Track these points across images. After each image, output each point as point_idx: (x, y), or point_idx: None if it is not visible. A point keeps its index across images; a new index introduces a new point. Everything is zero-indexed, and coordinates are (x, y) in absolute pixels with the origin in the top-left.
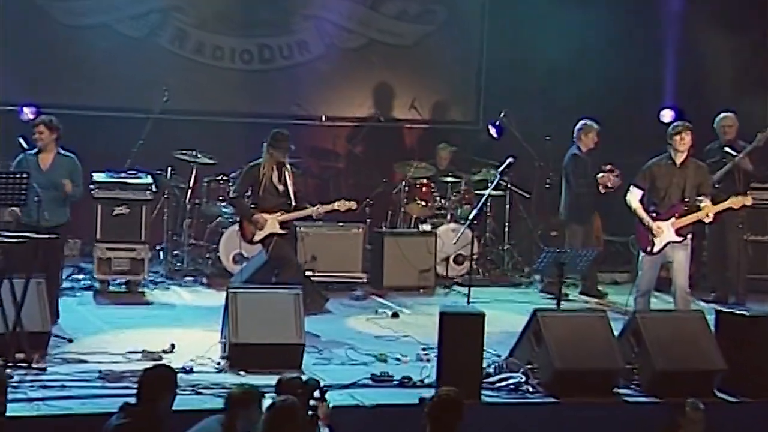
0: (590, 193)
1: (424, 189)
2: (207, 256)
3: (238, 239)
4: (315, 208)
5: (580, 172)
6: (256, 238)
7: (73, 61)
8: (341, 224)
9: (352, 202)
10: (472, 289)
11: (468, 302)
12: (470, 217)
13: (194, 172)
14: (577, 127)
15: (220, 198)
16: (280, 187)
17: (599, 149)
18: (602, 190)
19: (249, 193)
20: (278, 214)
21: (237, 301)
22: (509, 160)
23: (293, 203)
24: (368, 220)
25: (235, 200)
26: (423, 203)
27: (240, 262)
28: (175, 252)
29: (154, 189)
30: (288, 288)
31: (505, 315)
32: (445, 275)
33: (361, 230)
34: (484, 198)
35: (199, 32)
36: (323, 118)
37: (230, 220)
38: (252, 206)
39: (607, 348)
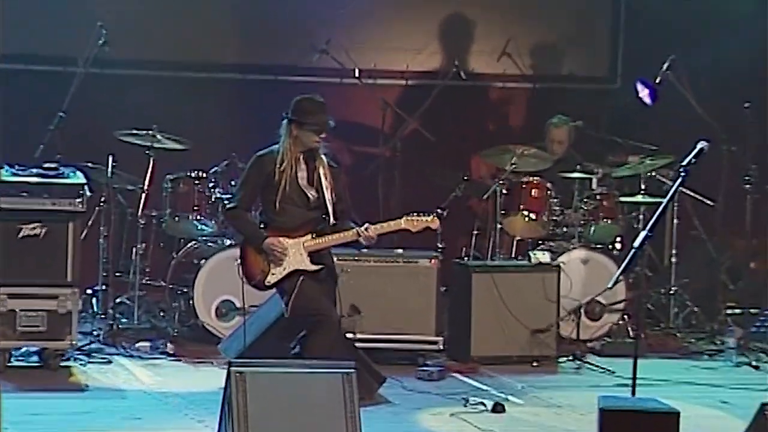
0: None
1: (533, 192)
2: (173, 305)
3: (236, 278)
4: (362, 228)
5: None
6: (272, 278)
7: None
8: (400, 253)
9: (433, 217)
10: (622, 362)
11: (633, 390)
12: (638, 242)
13: (151, 165)
14: None
15: (196, 208)
16: (311, 194)
17: None
18: None
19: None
20: (307, 237)
21: (246, 385)
22: (701, 145)
23: (332, 220)
24: (440, 246)
25: (234, 214)
26: (531, 216)
27: (228, 315)
28: (121, 299)
29: (87, 194)
30: (329, 364)
31: (688, 409)
32: (575, 338)
33: (433, 263)
34: (661, 207)
35: None
36: (356, 73)
37: (211, 245)
38: (262, 225)
39: None
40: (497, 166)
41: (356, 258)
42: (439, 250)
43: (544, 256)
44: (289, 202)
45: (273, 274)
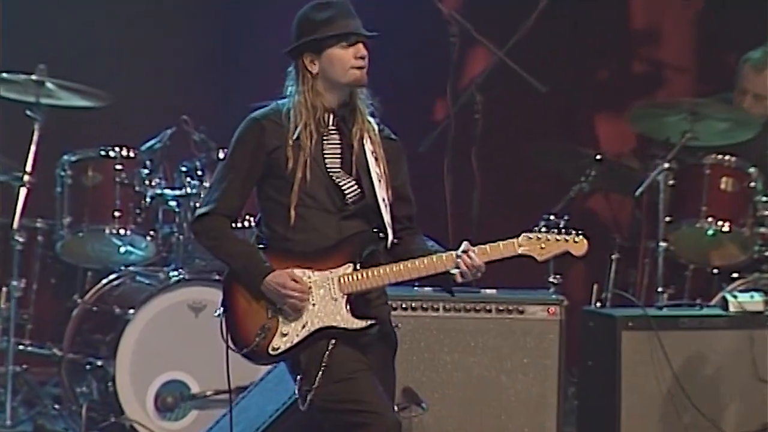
0: None
1: (724, 182)
2: (78, 391)
3: (194, 340)
4: (459, 251)
5: None
6: (281, 342)
7: None
8: (493, 295)
9: (578, 236)
10: None
11: None
12: None
13: (36, 136)
14: None
15: (117, 215)
16: (350, 187)
17: None
18: None
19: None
20: (346, 269)
21: None
22: None
23: (391, 236)
24: (554, 281)
25: (209, 226)
26: (722, 225)
27: (179, 409)
28: None
29: None
30: None
31: None
32: None
33: (552, 313)
34: None
35: None
36: None
37: (144, 281)
38: (262, 246)
39: None
40: (657, 138)
41: (413, 304)
42: (555, 287)
43: (752, 301)
44: (311, 204)
45: (283, 334)
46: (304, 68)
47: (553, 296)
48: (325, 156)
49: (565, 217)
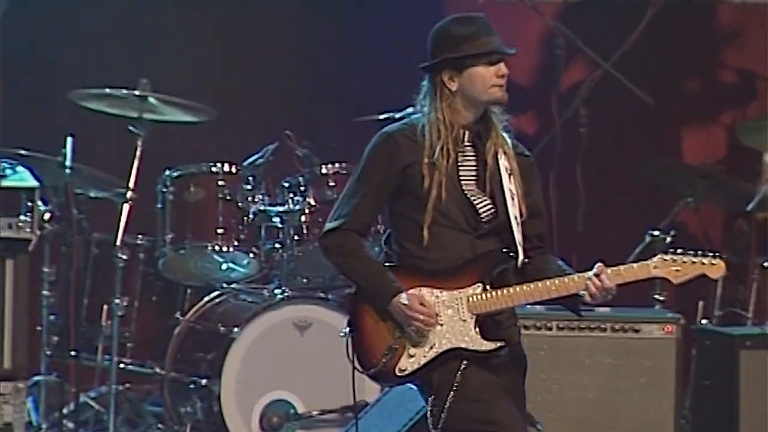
0: None
1: None
2: (182, 410)
3: (297, 358)
4: (591, 273)
5: None
6: (408, 363)
7: None
8: (606, 313)
9: (715, 259)
10: None
11: None
12: None
13: (139, 152)
14: None
15: (221, 232)
16: (484, 206)
17: None
18: None
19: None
20: (476, 289)
21: None
22: None
23: (521, 255)
24: (660, 297)
25: (339, 242)
26: None
27: (285, 428)
28: (84, 398)
29: (40, 208)
30: None
31: None
32: None
33: (668, 331)
34: None
35: None
36: None
37: (247, 299)
38: (388, 264)
39: None
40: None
41: (526, 323)
42: (661, 304)
43: None
44: (444, 223)
45: (411, 356)
46: (442, 85)
47: (669, 314)
48: (461, 174)
49: (671, 233)
